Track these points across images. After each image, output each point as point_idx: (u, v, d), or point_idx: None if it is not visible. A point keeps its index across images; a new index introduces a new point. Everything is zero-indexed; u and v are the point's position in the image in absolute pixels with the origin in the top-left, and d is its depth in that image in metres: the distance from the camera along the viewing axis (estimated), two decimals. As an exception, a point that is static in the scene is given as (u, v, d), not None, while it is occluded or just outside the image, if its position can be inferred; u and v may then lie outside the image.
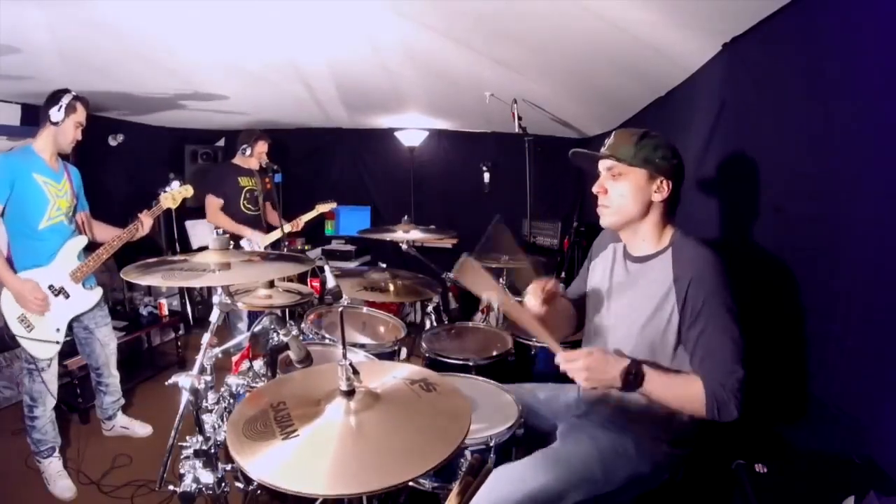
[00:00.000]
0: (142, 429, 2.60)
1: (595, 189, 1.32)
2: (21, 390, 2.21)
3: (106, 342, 2.41)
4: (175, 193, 2.48)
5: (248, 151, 3.22)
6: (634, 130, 1.29)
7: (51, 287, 2.13)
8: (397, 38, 2.25)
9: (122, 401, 2.59)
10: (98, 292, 2.34)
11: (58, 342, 2.14)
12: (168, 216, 3.95)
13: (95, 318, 2.35)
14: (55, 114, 2.08)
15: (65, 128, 2.12)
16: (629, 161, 1.25)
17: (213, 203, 3.18)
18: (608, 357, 1.19)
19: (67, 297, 2.18)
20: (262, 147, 3.24)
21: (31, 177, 2.07)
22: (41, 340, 2.09)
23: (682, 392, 1.18)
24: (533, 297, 1.36)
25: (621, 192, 1.27)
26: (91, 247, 2.29)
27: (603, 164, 1.31)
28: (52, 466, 2.19)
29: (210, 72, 2.77)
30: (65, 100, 2.09)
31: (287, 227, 3.23)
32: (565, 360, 1.17)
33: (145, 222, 2.31)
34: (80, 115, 2.16)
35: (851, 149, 1.21)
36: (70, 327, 2.25)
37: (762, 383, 1.27)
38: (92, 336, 2.35)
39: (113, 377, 2.49)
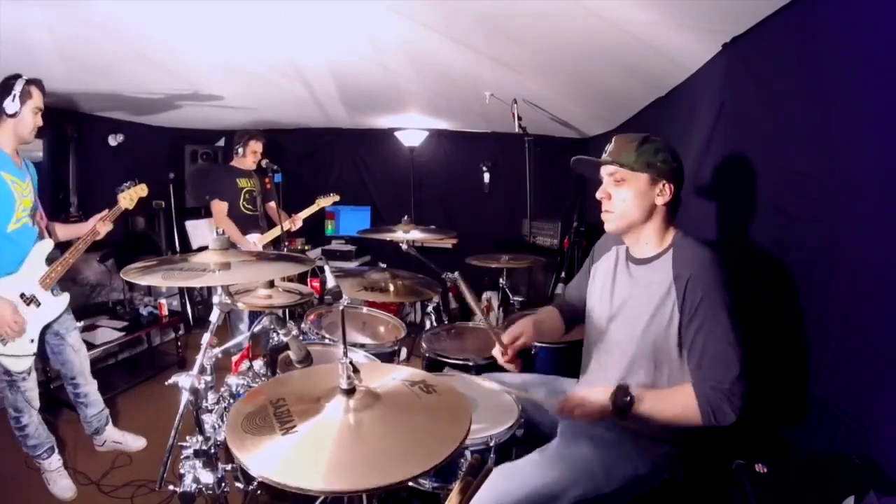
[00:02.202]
0: (135, 442, 2.49)
1: (599, 195, 1.34)
2: (5, 403, 2.10)
3: (77, 347, 2.30)
4: (132, 192, 2.39)
5: (241, 152, 3.26)
6: (635, 136, 1.30)
7: (22, 296, 2.02)
8: (397, 37, 2.25)
9: (107, 411, 2.47)
10: (65, 297, 2.23)
11: (33, 354, 2.06)
12: (168, 216, 3.96)
13: (65, 324, 2.24)
14: (10, 105, 1.91)
15: (23, 117, 1.96)
16: (631, 166, 1.26)
17: (220, 207, 3.20)
18: (595, 389, 1.26)
19: (39, 305, 2.08)
20: (254, 146, 3.26)
21: (0, 175, 1.94)
22: (16, 355, 2.00)
23: (675, 404, 1.19)
24: (500, 357, 1.47)
25: (624, 197, 1.29)
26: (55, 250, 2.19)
27: (605, 170, 1.32)
28: (52, 466, 2.18)
29: (210, 72, 2.78)
30: (17, 87, 1.93)
31: (286, 225, 3.23)
32: (560, 410, 1.27)
33: (101, 229, 2.22)
34: (37, 99, 1.99)
35: (851, 148, 1.21)
36: (42, 336, 2.14)
37: (762, 383, 1.28)
38: (64, 342, 2.24)
39: (90, 384, 2.37)
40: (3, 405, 2.71)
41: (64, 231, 2.31)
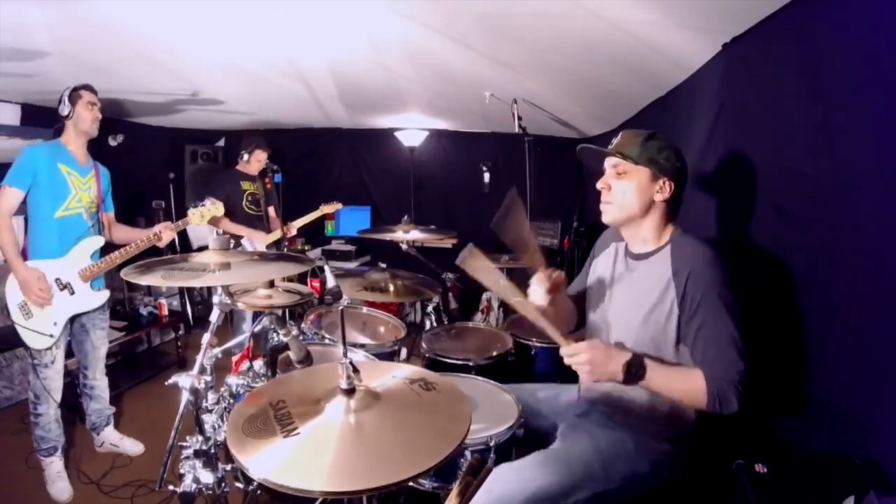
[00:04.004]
0: (133, 447, 2.49)
1: (599, 185, 1.35)
2: (28, 386, 2.19)
3: (97, 345, 2.38)
4: (204, 211, 2.46)
5: (247, 158, 3.35)
6: (641, 131, 1.31)
7: (57, 280, 2.13)
8: (397, 37, 2.25)
9: (110, 411, 2.50)
10: (104, 295, 2.32)
11: (52, 336, 2.11)
12: (168, 216, 3.95)
13: (94, 320, 2.33)
14: (64, 108, 2.14)
15: (79, 114, 2.15)
16: (634, 160, 1.28)
17: None
18: (611, 351, 1.21)
19: (72, 293, 2.17)
20: (260, 156, 3.34)
21: (56, 166, 2.12)
22: (36, 332, 2.08)
23: (684, 385, 1.19)
24: (538, 287, 1.35)
25: (624, 189, 1.30)
26: (108, 248, 2.28)
27: (608, 162, 1.34)
28: (53, 466, 2.18)
29: (210, 72, 2.78)
30: (65, 93, 2.14)
31: (279, 233, 3.25)
32: (569, 354, 1.19)
33: (164, 235, 2.29)
34: (88, 96, 2.18)
35: (851, 148, 1.21)
36: (70, 323, 2.23)
37: (763, 383, 1.28)
38: (87, 336, 2.33)
39: (97, 381, 2.42)
40: (9, 404, 2.74)
41: (124, 233, 2.41)
